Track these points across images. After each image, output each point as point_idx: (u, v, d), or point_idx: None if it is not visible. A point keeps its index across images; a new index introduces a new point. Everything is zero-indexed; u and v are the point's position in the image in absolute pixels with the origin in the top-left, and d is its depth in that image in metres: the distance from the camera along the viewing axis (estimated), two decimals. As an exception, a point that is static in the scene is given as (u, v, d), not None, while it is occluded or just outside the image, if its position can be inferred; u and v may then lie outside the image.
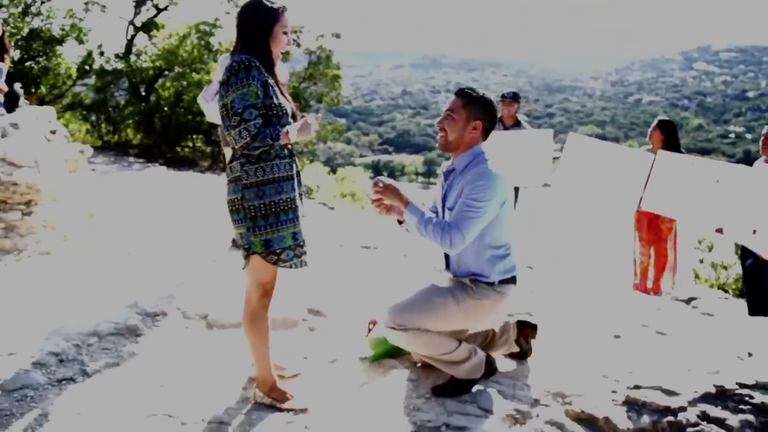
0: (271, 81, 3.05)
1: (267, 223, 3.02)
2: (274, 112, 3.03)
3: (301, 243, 3.15)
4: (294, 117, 3.19)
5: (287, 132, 3.00)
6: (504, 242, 3.33)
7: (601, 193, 6.07)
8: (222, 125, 3.11)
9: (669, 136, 6.33)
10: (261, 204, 3.01)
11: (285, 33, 3.16)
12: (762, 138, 5.53)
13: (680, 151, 6.31)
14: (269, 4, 3.10)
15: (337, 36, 15.87)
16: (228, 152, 5.61)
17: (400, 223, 3.43)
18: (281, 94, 3.13)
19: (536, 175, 6.55)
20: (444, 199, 3.41)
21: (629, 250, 6.76)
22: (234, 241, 5.89)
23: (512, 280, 3.40)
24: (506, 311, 3.50)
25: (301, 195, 3.22)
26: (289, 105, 3.15)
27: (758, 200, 5.19)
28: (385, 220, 3.51)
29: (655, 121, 6.49)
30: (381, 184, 3.25)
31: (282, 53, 3.29)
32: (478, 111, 3.29)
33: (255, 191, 3.01)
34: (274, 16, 3.10)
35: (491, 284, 3.31)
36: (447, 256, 3.44)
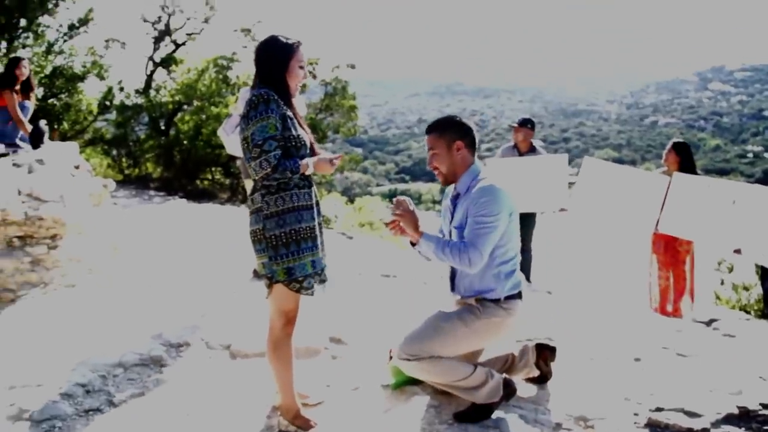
0: (289, 113, 3.13)
1: (288, 252, 3.08)
2: (293, 143, 3.11)
3: (319, 271, 3.22)
4: (312, 148, 3.27)
5: (306, 164, 3.09)
6: (512, 256, 3.39)
7: (617, 216, 6.07)
8: (243, 157, 3.20)
9: (684, 158, 6.36)
10: (282, 233, 3.07)
11: (301, 67, 3.24)
12: None
13: (696, 173, 6.33)
14: (285, 40, 3.20)
15: (352, 66, 16.01)
16: (249, 184, 5.70)
17: (413, 245, 3.48)
18: (300, 125, 3.21)
19: (552, 200, 6.57)
20: (451, 222, 3.47)
21: (645, 273, 6.75)
22: (255, 272, 5.96)
23: (518, 296, 3.45)
24: (516, 327, 3.53)
25: (320, 224, 3.28)
26: (307, 137, 3.23)
27: None
28: (400, 240, 3.56)
29: (670, 144, 6.52)
30: (402, 209, 3.30)
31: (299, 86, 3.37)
32: (452, 132, 3.39)
33: (276, 221, 3.07)
34: (290, 51, 3.19)
35: (497, 301, 3.37)
36: (452, 278, 3.50)
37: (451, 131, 3.38)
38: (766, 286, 5.52)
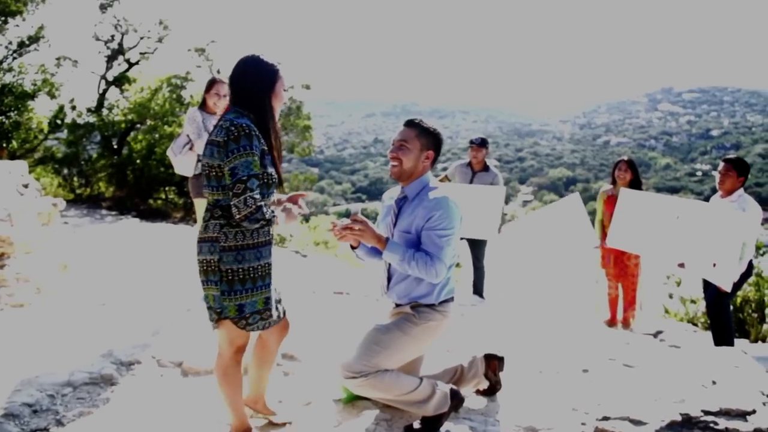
0: (265, 148, 3.00)
1: (243, 288, 2.98)
2: (265, 180, 2.99)
3: (270, 307, 3.12)
4: (281, 183, 3.17)
5: (278, 218, 2.99)
6: (453, 262, 3.45)
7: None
8: (206, 183, 3.02)
9: (636, 174, 6.56)
10: (240, 268, 2.97)
11: (285, 90, 3.17)
12: (718, 175, 5.72)
13: (641, 188, 6.55)
14: (269, 61, 3.08)
15: (308, 87, 16.07)
16: (200, 204, 5.70)
17: (354, 248, 3.57)
18: (273, 161, 3.07)
19: (484, 229, 6.75)
20: (395, 224, 3.50)
21: (595, 286, 6.91)
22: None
23: (451, 300, 3.52)
24: (452, 328, 3.57)
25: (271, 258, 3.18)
26: (279, 174, 3.12)
27: (716, 234, 5.36)
28: (352, 258, 3.59)
29: (623, 161, 6.67)
30: (359, 227, 3.25)
31: None
32: (431, 142, 3.44)
33: (234, 255, 2.96)
34: (276, 73, 3.08)
35: (431, 306, 3.43)
36: (389, 282, 3.55)
37: (430, 139, 3.43)
38: (708, 298, 5.67)
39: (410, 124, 3.45)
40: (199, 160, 5.73)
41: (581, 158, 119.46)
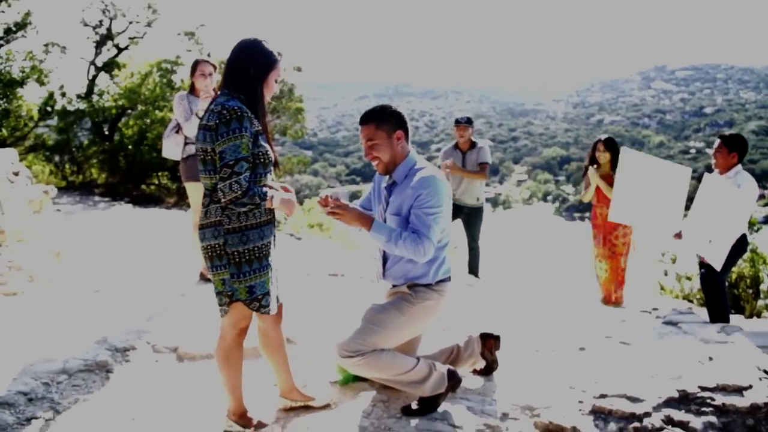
0: (259, 129, 3.00)
1: (251, 269, 2.99)
2: (261, 160, 2.99)
3: (275, 287, 3.15)
4: (276, 163, 3.17)
5: (272, 197, 2.97)
6: (447, 241, 3.44)
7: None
8: (202, 168, 3.01)
9: (615, 154, 6.46)
10: (245, 249, 2.98)
11: (276, 81, 3.15)
12: (713, 153, 5.67)
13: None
14: (269, 49, 3.07)
15: (299, 69, 15.97)
16: (191, 187, 5.68)
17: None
18: (267, 140, 3.07)
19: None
20: (386, 209, 3.48)
21: (589, 265, 6.91)
22: (202, 274, 5.91)
23: (448, 279, 3.51)
24: (449, 307, 3.58)
25: (274, 237, 3.22)
26: (273, 153, 3.11)
27: (714, 211, 5.35)
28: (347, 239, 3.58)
29: (600, 141, 6.60)
30: (337, 208, 3.21)
31: None
32: (392, 122, 3.38)
33: (239, 236, 2.97)
34: (273, 62, 3.08)
35: (428, 285, 3.42)
36: (384, 265, 3.54)
37: (390, 121, 3.37)
38: (701, 275, 5.66)
39: (364, 120, 3.40)
40: (186, 143, 5.74)
41: (575, 137, 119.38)
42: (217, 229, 2.97)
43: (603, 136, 6.63)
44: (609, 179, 6.41)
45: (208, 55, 14.41)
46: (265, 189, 2.97)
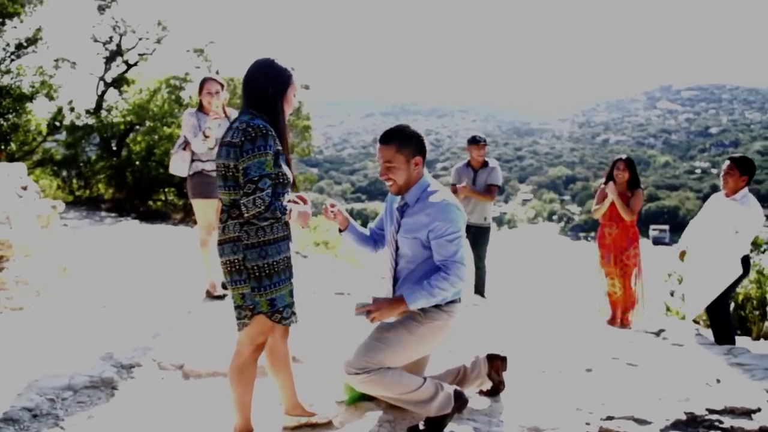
0: (280, 148, 3.07)
1: (271, 283, 3.05)
2: (281, 180, 3.06)
3: (295, 300, 3.22)
4: (294, 184, 3.25)
5: (290, 211, 3.06)
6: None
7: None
8: (221, 183, 3.07)
9: (633, 172, 6.50)
10: (265, 264, 3.03)
11: (294, 96, 3.22)
12: (723, 174, 5.66)
13: (640, 186, 6.52)
14: (283, 66, 3.14)
15: (307, 87, 16.05)
16: (197, 204, 5.71)
17: (341, 231, 3.74)
18: (286, 161, 3.14)
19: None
20: (398, 230, 3.48)
21: (597, 286, 6.87)
22: (209, 292, 5.91)
23: (458, 300, 3.50)
24: (457, 329, 3.55)
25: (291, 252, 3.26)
26: (291, 173, 3.17)
27: (719, 233, 5.38)
28: (354, 259, 3.59)
29: (621, 160, 6.60)
30: (375, 311, 3.28)
31: None
32: (414, 148, 3.38)
33: (258, 251, 3.03)
34: (289, 78, 3.15)
35: (438, 306, 3.40)
36: (394, 285, 3.56)
37: (412, 145, 3.38)
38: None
39: (386, 140, 3.39)
40: (193, 160, 5.76)
41: (580, 156, 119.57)
42: (236, 244, 3.03)
43: (623, 156, 6.63)
44: (624, 198, 6.42)
45: (216, 73, 14.49)
46: (285, 204, 3.04)
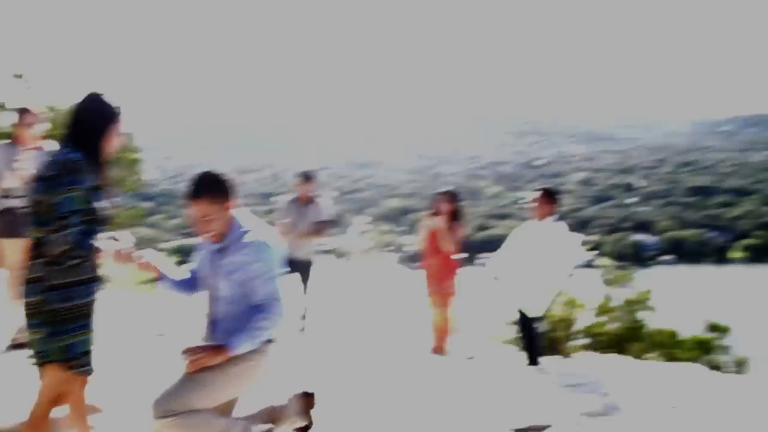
0: (97, 184, 2.95)
1: (74, 326, 2.89)
2: (94, 217, 2.93)
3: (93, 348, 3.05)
4: (111, 219, 3.12)
5: (103, 250, 2.92)
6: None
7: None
8: (33, 220, 2.92)
9: (456, 206, 6.77)
10: (65, 307, 2.87)
11: (117, 135, 3.10)
12: (534, 202, 6.02)
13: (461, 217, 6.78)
14: (110, 103, 3.06)
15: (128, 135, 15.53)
16: (8, 244, 5.36)
17: (157, 280, 3.52)
18: (105, 196, 3.02)
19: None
20: (216, 272, 3.38)
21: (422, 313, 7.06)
22: (13, 342, 5.53)
23: (271, 341, 3.46)
24: (271, 368, 3.51)
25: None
26: (110, 209, 3.06)
27: (540, 258, 5.72)
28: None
29: (441, 193, 6.88)
30: (198, 359, 3.17)
31: None
32: (223, 195, 3.26)
33: (60, 293, 2.86)
34: (113, 117, 3.06)
35: None
36: (212, 327, 3.47)
37: (221, 194, 3.24)
38: (521, 320, 5.99)
39: (197, 195, 3.20)
40: (5, 196, 5.42)
41: (417, 188, 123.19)
42: (38, 285, 2.86)
43: (445, 188, 6.90)
44: (449, 230, 6.63)
45: (34, 102, 13.70)
46: (95, 242, 2.89)
